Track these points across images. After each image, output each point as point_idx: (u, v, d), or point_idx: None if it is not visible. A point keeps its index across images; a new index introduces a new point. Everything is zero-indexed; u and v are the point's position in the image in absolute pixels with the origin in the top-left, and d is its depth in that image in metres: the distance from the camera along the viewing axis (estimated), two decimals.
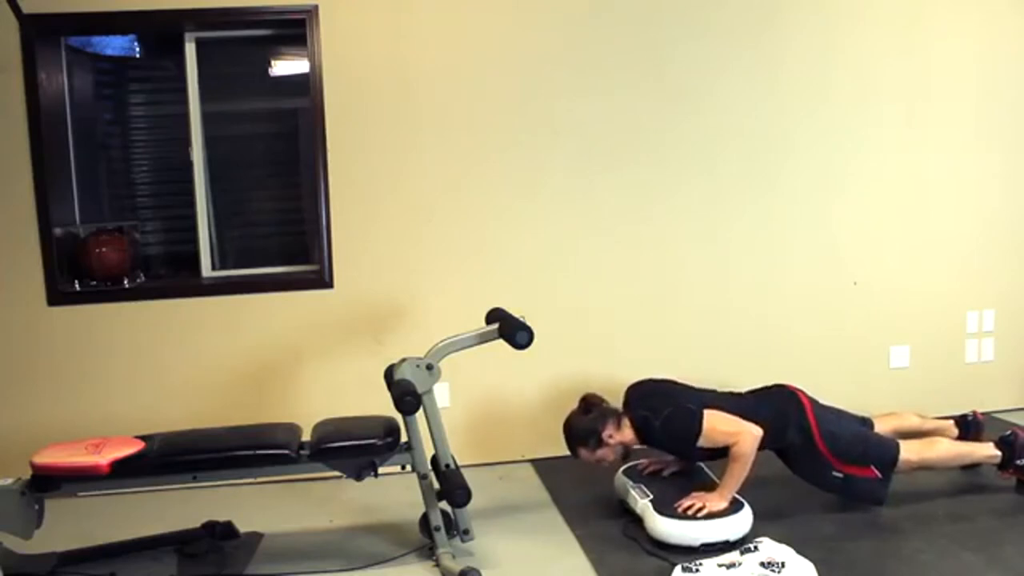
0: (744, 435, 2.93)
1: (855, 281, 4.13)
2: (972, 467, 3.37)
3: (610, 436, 3.07)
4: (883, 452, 3.09)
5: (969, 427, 3.47)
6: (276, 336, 3.73)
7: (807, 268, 4.08)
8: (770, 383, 3.28)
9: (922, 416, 3.48)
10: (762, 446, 3.03)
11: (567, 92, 3.81)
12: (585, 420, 3.10)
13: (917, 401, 4.12)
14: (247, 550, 3.02)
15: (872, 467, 3.06)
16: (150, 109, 4.04)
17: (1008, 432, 3.24)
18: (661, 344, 3.93)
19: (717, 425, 2.97)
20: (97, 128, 3.99)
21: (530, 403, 3.90)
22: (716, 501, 2.92)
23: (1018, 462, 3.18)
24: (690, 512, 2.89)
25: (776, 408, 3.13)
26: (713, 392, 3.21)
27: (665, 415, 3.01)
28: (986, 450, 3.22)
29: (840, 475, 3.06)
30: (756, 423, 3.02)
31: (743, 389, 3.29)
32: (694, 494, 2.96)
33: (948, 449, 3.21)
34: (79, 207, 3.81)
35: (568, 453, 3.17)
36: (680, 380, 3.26)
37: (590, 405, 3.14)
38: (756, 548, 2.67)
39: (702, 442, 2.99)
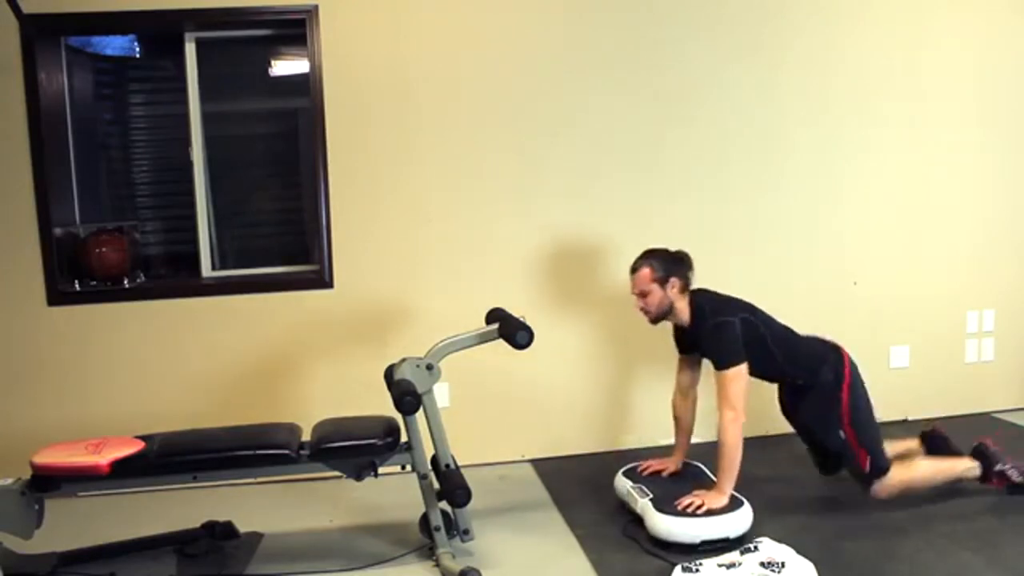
0: (734, 417, 2.92)
1: (855, 281, 4.14)
2: (955, 483, 3.27)
3: (673, 286, 3.08)
4: (881, 454, 3.10)
5: (934, 442, 3.38)
6: (276, 336, 3.73)
7: (807, 268, 4.08)
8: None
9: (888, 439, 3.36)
10: (793, 377, 3.13)
11: (567, 92, 3.81)
12: (672, 255, 3.12)
13: (917, 401, 4.13)
14: (247, 550, 3.02)
15: (867, 453, 3.06)
16: (150, 109, 4.04)
17: (976, 444, 3.24)
18: (661, 344, 3.91)
19: (729, 382, 2.96)
20: (97, 128, 3.99)
21: (530, 403, 3.90)
22: (715, 498, 2.92)
23: (996, 468, 3.17)
24: (690, 510, 2.89)
25: (819, 349, 3.19)
26: (773, 320, 3.17)
27: (724, 320, 3.02)
28: (964, 463, 3.21)
29: (843, 436, 3.09)
30: (796, 356, 3.11)
31: None
32: (694, 492, 2.97)
33: (928, 468, 3.19)
34: (79, 207, 3.81)
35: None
36: None
37: (682, 257, 3.14)
38: (756, 548, 2.67)
39: (713, 367, 3.02)
